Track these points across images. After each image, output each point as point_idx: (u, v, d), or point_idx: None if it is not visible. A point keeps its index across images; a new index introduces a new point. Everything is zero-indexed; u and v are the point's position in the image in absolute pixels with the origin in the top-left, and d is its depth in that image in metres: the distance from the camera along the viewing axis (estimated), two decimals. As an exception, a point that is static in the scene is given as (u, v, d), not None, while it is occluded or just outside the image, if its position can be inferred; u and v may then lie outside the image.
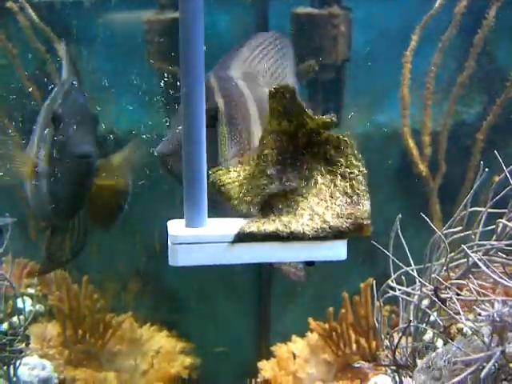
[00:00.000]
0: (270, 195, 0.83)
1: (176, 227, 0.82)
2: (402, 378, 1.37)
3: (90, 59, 2.11)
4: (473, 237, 1.24)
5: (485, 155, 2.02)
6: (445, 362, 1.15)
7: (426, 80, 2.04)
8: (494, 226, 1.20)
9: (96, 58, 2.10)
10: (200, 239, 0.80)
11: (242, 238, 0.80)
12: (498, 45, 2.08)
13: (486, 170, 1.26)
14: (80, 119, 1.64)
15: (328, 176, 0.83)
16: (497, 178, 1.26)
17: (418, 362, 1.30)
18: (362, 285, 1.81)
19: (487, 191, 1.29)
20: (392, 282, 1.38)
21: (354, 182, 0.82)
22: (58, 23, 2.07)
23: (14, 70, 2.04)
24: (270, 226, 0.80)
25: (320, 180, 0.83)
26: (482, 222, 1.24)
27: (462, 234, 1.27)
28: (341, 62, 2.09)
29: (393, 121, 2.12)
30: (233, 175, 0.88)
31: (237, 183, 0.87)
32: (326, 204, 0.81)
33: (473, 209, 1.31)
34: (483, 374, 0.97)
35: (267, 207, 0.83)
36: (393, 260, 1.35)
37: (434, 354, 1.25)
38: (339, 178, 0.82)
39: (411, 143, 2.06)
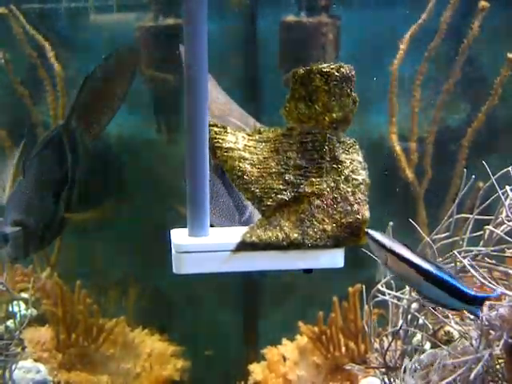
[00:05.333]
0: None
1: (179, 236, 0.85)
2: (391, 380, 1.40)
3: (79, 65, 2.13)
4: (460, 243, 1.28)
5: (469, 161, 2.06)
6: (434, 364, 1.19)
7: (412, 87, 2.07)
8: (481, 232, 1.23)
9: (85, 64, 2.10)
10: (203, 248, 0.83)
11: (244, 247, 0.83)
12: (482, 54, 2.12)
13: (473, 177, 1.30)
14: (34, 183, 1.62)
15: (332, 175, 0.84)
16: (481, 184, 1.30)
17: (407, 364, 1.34)
18: (350, 289, 1.83)
19: (472, 197, 1.33)
20: (382, 286, 1.41)
21: (356, 189, 0.84)
22: (49, 29, 2.08)
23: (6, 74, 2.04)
24: (270, 234, 0.83)
25: (324, 179, 0.84)
26: (469, 228, 1.27)
27: (450, 240, 1.30)
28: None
29: (380, 126, 2.15)
30: (233, 140, 0.85)
31: (249, 159, 0.84)
32: (327, 210, 0.83)
33: (460, 215, 1.35)
34: (472, 375, 1.00)
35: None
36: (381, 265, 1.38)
37: (422, 356, 1.29)
38: (342, 179, 0.84)
39: (398, 149, 2.09)
